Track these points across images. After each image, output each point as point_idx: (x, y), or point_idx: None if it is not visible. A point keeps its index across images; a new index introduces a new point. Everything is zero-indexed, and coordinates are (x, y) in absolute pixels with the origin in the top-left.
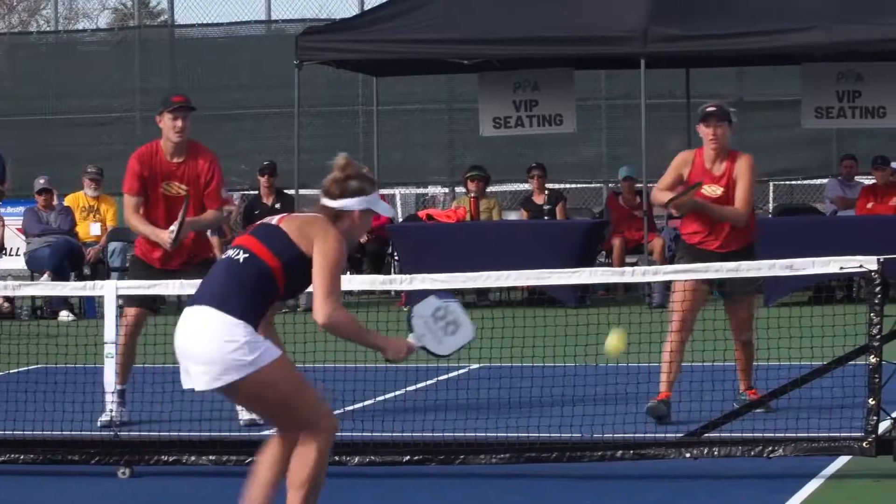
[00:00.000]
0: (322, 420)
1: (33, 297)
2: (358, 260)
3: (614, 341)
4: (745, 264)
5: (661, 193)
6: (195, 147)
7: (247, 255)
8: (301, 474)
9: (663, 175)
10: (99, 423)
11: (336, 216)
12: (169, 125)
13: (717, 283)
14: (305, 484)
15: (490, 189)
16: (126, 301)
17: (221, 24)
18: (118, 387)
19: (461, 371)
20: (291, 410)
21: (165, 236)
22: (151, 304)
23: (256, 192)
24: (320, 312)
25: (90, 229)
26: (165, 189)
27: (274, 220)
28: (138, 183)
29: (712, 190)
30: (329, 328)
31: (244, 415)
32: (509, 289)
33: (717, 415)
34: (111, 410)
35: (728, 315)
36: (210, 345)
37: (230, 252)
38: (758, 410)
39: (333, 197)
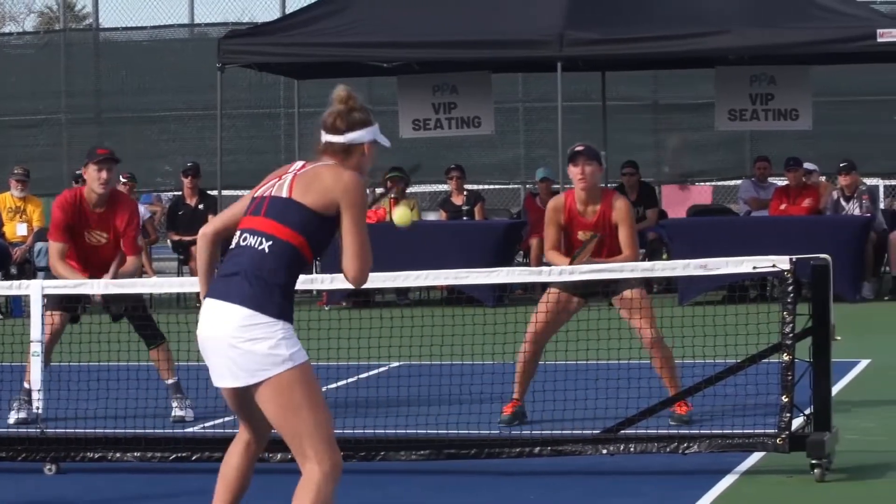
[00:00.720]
0: (330, 453)
1: None
2: None
3: (401, 215)
4: (659, 264)
5: (557, 257)
6: (116, 196)
7: (270, 243)
8: None
9: (546, 231)
10: (14, 420)
11: (345, 152)
12: (94, 176)
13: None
14: None
15: (409, 190)
16: (49, 304)
17: (145, 28)
18: (26, 385)
19: (381, 369)
20: (302, 423)
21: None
22: (74, 309)
23: (180, 192)
24: (355, 270)
25: (17, 229)
26: (88, 237)
27: (283, 190)
28: (64, 232)
29: (585, 236)
30: (360, 285)
31: (177, 412)
32: (428, 288)
33: (633, 412)
34: (37, 408)
35: (625, 317)
36: (239, 342)
37: (249, 240)
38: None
39: (340, 132)
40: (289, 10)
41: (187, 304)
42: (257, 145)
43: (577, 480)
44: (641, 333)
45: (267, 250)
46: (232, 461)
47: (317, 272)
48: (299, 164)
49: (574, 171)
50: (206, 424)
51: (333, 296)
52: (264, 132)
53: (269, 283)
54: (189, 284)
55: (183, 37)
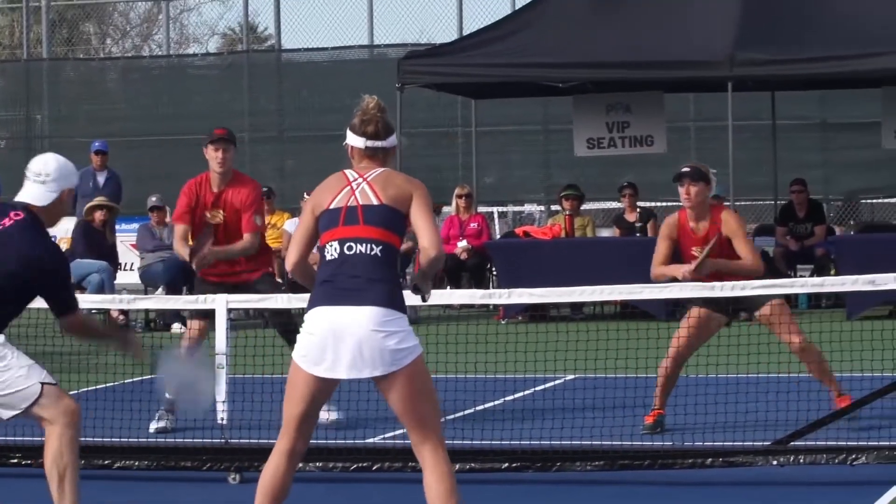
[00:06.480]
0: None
1: (147, 311)
2: (459, 275)
3: None
4: (829, 279)
5: (666, 269)
6: (238, 177)
7: (381, 247)
8: (447, 484)
9: (657, 246)
10: (153, 429)
11: (385, 155)
12: (212, 156)
13: (731, 312)
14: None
15: (584, 207)
16: (191, 313)
17: (326, 49)
18: (168, 395)
19: (557, 381)
20: (429, 407)
21: (195, 264)
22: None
23: None
24: (437, 241)
25: None
26: (210, 216)
27: (371, 198)
28: (184, 214)
29: (699, 251)
30: (441, 252)
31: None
32: (603, 303)
33: (803, 424)
34: (222, 419)
35: (771, 330)
36: (380, 336)
37: (356, 248)
38: (842, 420)
39: (382, 138)
40: (466, 32)
41: None
42: (435, 162)
43: (747, 491)
44: (788, 341)
45: (379, 254)
46: (279, 471)
47: (494, 287)
48: (353, 174)
49: (681, 192)
50: (387, 435)
51: (510, 310)
52: (442, 150)
53: (391, 283)
54: None
55: (362, 57)
